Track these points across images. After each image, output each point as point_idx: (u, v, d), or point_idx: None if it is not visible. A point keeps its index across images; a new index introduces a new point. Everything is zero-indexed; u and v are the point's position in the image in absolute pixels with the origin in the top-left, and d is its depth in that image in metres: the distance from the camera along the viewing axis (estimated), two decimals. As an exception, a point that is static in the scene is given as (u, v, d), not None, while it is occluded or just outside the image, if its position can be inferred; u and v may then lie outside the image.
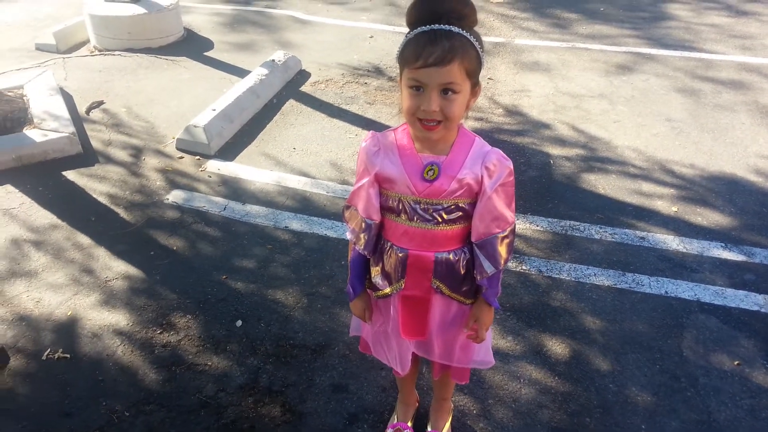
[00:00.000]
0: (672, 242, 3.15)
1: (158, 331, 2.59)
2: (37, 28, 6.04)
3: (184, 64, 5.28)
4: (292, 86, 4.93)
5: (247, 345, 2.52)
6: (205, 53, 5.55)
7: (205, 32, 6.08)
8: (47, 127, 3.90)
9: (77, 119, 4.25)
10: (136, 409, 2.24)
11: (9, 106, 4.21)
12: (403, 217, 1.55)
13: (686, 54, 5.57)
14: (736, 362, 2.46)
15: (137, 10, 5.50)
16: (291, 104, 4.64)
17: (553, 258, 3.03)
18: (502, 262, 1.57)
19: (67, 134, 3.84)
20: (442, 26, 1.31)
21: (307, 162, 3.86)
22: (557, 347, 2.53)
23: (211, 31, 6.11)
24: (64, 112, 4.12)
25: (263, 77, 4.69)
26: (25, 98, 4.33)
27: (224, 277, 2.89)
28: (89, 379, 2.36)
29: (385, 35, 5.95)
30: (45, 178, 3.62)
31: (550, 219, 3.32)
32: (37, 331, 2.58)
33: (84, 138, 4.04)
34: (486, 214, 1.50)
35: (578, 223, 3.29)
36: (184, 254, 3.04)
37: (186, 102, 4.59)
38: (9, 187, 3.52)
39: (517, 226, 3.18)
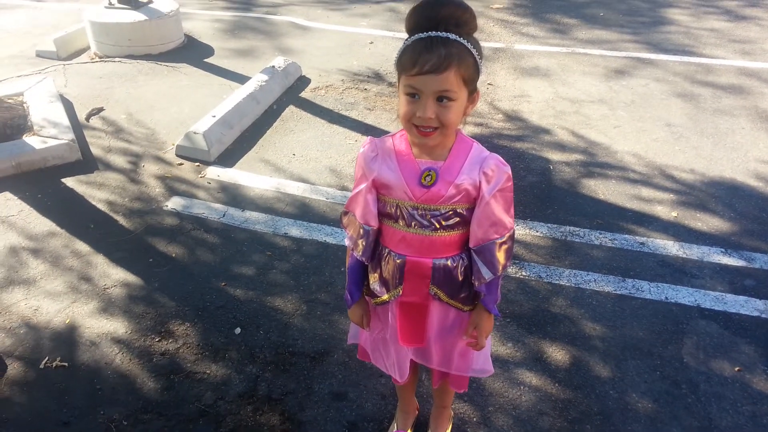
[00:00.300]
0: (672, 248, 3.14)
1: (157, 339, 2.58)
2: (38, 35, 6.05)
3: (184, 71, 5.29)
4: (292, 92, 4.93)
5: (246, 353, 2.51)
6: (206, 60, 5.56)
7: (205, 39, 6.10)
8: (47, 134, 3.90)
9: (77, 126, 4.25)
10: (134, 418, 2.23)
11: (9, 113, 4.21)
12: (401, 223, 1.54)
13: (686, 59, 5.57)
14: (736, 368, 2.45)
15: (138, 16, 5.51)
16: (291, 110, 4.64)
17: (553, 264, 3.03)
18: (501, 268, 1.56)
19: (66, 141, 3.85)
20: (439, 33, 1.31)
21: (307, 168, 3.86)
22: (557, 354, 2.51)
23: (212, 38, 6.12)
24: (64, 119, 4.12)
25: (263, 83, 4.70)
26: (25, 105, 4.34)
27: (223, 284, 2.89)
28: (87, 388, 2.35)
29: (385, 41, 5.96)
30: (44, 185, 3.62)
31: (549, 225, 3.32)
32: (35, 339, 2.57)
33: (84, 145, 4.04)
34: (484, 219, 1.50)
35: (578, 229, 3.28)
36: (183, 261, 3.04)
37: (186, 108, 4.59)
38: (8, 194, 3.52)
39: (516, 232, 3.20)
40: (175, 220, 3.35)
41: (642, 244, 3.17)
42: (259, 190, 3.63)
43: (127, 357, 2.49)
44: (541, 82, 5.10)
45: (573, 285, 2.89)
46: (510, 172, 1.51)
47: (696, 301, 2.80)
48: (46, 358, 2.47)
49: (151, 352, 2.51)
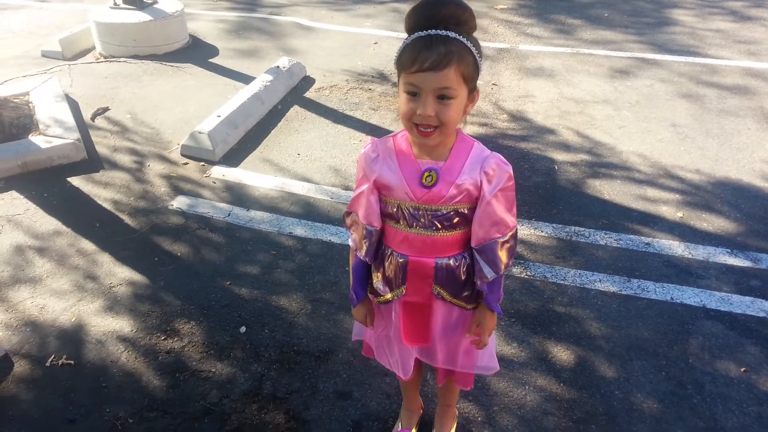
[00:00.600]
0: (677, 248, 3.14)
1: (162, 338, 2.58)
2: (43, 35, 6.08)
3: (189, 71, 5.30)
4: (297, 92, 4.94)
5: (251, 351, 2.52)
6: (210, 60, 5.57)
7: (210, 39, 6.11)
8: (52, 134, 3.91)
9: (82, 125, 4.27)
10: (139, 416, 2.24)
11: (15, 113, 4.23)
12: (403, 223, 1.54)
13: (691, 59, 5.56)
14: (742, 369, 2.44)
15: (143, 17, 5.53)
16: (295, 110, 4.65)
17: (558, 264, 3.02)
18: (503, 267, 1.56)
19: (72, 140, 3.86)
20: (439, 31, 1.31)
21: (311, 168, 3.86)
22: (562, 354, 2.51)
23: (216, 38, 6.13)
24: (70, 119, 4.14)
25: (268, 83, 4.71)
26: (30, 105, 4.35)
27: (228, 283, 2.89)
28: (93, 386, 2.36)
29: (389, 41, 5.96)
30: (50, 184, 3.63)
31: (554, 225, 3.31)
32: (41, 337, 2.58)
33: (89, 144, 4.05)
34: (485, 219, 1.50)
35: (583, 229, 3.27)
36: (188, 260, 3.05)
37: (191, 108, 4.61)
38: (14, 194, 3.54)
39: (521, 232, 3.20)
40: (181, 219, 3.35)
41: (647, 244, 3.16)
42: (264, 189, 3.64)
43: (132, 355, 2.50)
44: (545, 83, 5.10)
45: (578, 285, 2.88)
46: (511, 171, 1.50)
47: (701, 301, 2.79)
48: (52, 356, 2.48)
49: (156, 351, 2.52)
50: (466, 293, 1.63)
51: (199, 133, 3.95)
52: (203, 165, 3.89)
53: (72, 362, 2.46)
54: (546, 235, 3.24)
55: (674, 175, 3.78)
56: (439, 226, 1.52)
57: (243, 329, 2.63)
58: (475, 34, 1.39)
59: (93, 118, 4.42)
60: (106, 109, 4.55)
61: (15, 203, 3.46)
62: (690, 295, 2.82)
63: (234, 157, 4.00)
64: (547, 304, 2.77)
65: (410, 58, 1.32)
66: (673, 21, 6.63)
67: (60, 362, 2.45)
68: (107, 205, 3.46)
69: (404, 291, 1.63)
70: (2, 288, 2.85)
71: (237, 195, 3.58)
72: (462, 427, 2.20)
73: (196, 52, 5.77)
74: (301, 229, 3.27)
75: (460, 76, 1.33)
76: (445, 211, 1.50)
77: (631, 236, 3.22)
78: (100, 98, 4.71)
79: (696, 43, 5.94)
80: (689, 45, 5.90)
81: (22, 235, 3.20)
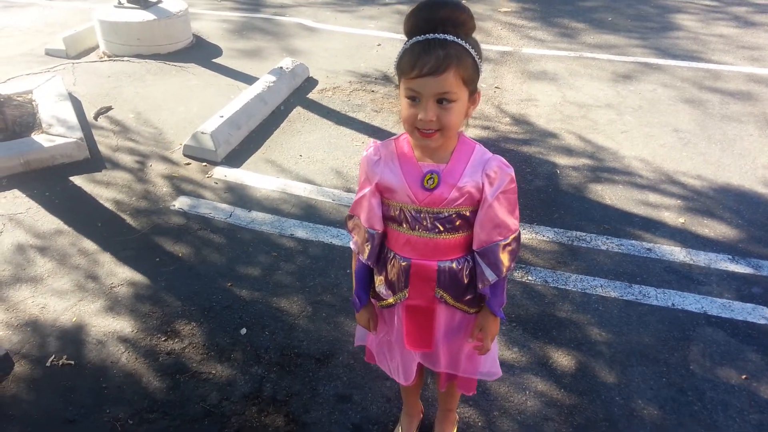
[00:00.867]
0: (679, 254, 3.13)
1: (163, 339, 2.58)
2: (47, 33, 6.09)
3: (192, 71, 5.30)
4: (300, 93, 4.94)
5: (252, 353, 2.52)
6: (214, 60, 5.58)
7: (213, 39, 6.11)
8: (55, 132, 3.91)
9: (85, 124, 4.27)
10: (139, 417, 2.24)
11: (18, 111, 4.23)
12: (405, 226, 1.54)
13: (694, 64, 5.56)
14: (743, 376, 2.44)
15: (147, 16, 5.54)
16: (298, 111, 4.65)
17: (559, 269, 3.02)
18: (504, 270, 1.55)
19: (74, 139, 3.86)
20: (437, 35, 1.31)
21: (313, 169, 3.86)
22: (563, 359, 2.51)
23: (220, 38, 6.14)
24: (73, 118, 4.14)
25: (271, 84, 4.71)
26: (33, 103, 4.36)
27: (229, 284, 2.89)
28: (93, 386, 2.36)
29: (393, 43, 5.97)
30: (52, 183, 3.64)
31: (556, 229, 3.31)
32: (42, 337, 2.58)
33: (92, 143, 4.06)
34: (487, 222, 1.49)
35: (584, 234, 3.27)
36: (189, 261, 3.05)
37: (194, 108, 4.61)
38: (16, 192, 3.54)
39: (523, 237, 3.19)
40: (182, 219, 3.35)
41: (649, 250, 3.16)
42: (266, 190, 3.64)
43: (133, 356, 2.50)
44: (548, 86, 5.10)
45: (579, 290, 2.88)
46: (513, 173, 1.50)
47: (703, 308, 2.78)
48: (53, 356, 2.48)
49: (156, 352, 2.52)
50: (468, 297, 1.63)
51: (202, 133, 3.95)
52: (205, 165, 3.89)
53: (72, 362, 2.46)
54: (547, 239, 3.23)
55: (676, 181, 3.78)
56: (442, 229, 1.52)
57: (243, 331, 2.63)
58: (479, 38, 1.38)
59: (96, 117, 4.43)
60: (109, 108, 4.56)
61: (17, 202, 3.46)
62: (691, 302, 2.82)
63: (236, 157, 4.00)
64: (547, 309, 2.77)
65: (409, 64, 1.33)
66: (676, 26, 6.62)
67: (60, 362, 2.45)
68: (109, 205, 3.46)
69: (407, 294, 1.62)
70: (3, 287, 2.85)
71: (239, 196, 3.58)
72: (462, 431, 2.20)
73: (199, 51, 5.78)
74: (302, 231, 3.27)
75: (459, 80, 1.33)
76: (446, 214, 1.50)
77: (633, 241, 3.22)
78: (103, 97, 4.72)
79: (699, 49, 5.94)
80: (692, 50, 5.90)
81: (24, 234, 3.20)
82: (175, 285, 2.89)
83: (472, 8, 1.38)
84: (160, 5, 5.78)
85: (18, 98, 4.40)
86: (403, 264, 1.58)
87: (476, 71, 1.37)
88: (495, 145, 4.12)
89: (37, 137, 3.85)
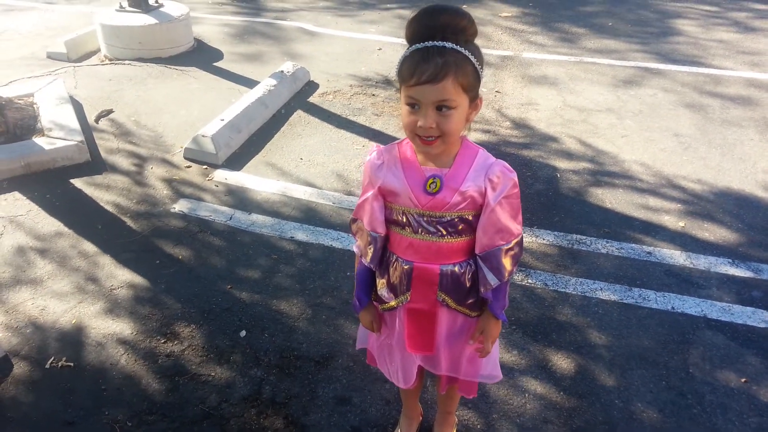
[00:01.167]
0: (679, 257, 3.13)
1: (162, 341, 2.58)
2: (49, 36, 6.11)
3: (193, 74, 5.32)
4: (300, 97, 4.96)
5: (251, 356, 2.52)
6: (215, 63, 5.59)
7: (214, 43, 6.13)
8: (56, 135, 3.92)
9: (86, 127, 4.28)
10: (138, 419, 2.24)
11: (19, 114, 4.24)
12: (408, 230, 1.55)
13: (694, 69, 5.57)
14: (743, 379, 2.43)
15: (148, 20, 5.55)
16: (299, 115, 4.66)
17: (559, 272, 3.02)
18: (507, 274, 1.55)
19: (75, 142, 3.87)
20: (436, 43, 1.31)
21: (314, 173, 3.87)
22: (563, 362, 2.51)
23: (221, 42, 6.15)
24: (74, 121, 4.15)
25: (272, 88, 4.72)
26: (35, 106, 4.37)
27: (229, 286, 2.89)
28: (92, 388, 2.36)
29: (394, 47, 5.98)
30: (53, 185, 3.64)
31: (556, 232, 3.31)
32: (41, 338, 2.58)
33: (92, 146, 4.06)
34: (489, 226, 1.50)
35: (585, 237, 3.27)
36: (189, 263, 3.05)
37: (194, 112, 4.62)
38: (17, 194, 3.54)
39: (523, 240, 3.19)
40: (182, 222, 3.36)
41: (649, 253, 3.16)
42: (266, 193, 3.64)
43: (132, 358, 2.50)
44: (549, 91, 5.10)
45: (579, 293, 2.88)
46: (516, 178, 1.50)
47: (702, 311, 2.78)
48: (52, 357, 2.48)
49: (156, 354, 2.52)
50: (470, 300, 1.63)
51: (203, 136, 3.95)
52: (206, 168, 3.90)
53: (72, 364, 2.46)
54: (547, 242, 3.23)
55: (676, 185, 3.78)
56: (444, 233, 1.52)
57: (243, 333, 2.63)
58: (479, 42, 1.38)
59: (97, 121, 4.44)
60: (110, 112, 4.57)
61: (18, 204, 3.46)
62: (691, 305, 2.82)
63: (237, 160, 4.00)
64: (547, 312, 2.77)
65: (409, 71, 1.33)
66: (677, 31, 6.64)
67: (60, 364, 2.45)
68: (109, 207, 3.46)
69: (409, 297, 1.63)
70: (3, 289, 2.85)
71: (239, 199, 3.59)
72: (461, 434, 2.20)
73: (200, 55, 5.79)
74: (302, 234, 3.28)
75: (459, 87, 1.33)
76: (449, 218, 1.50)
77: (633, 245, 3.22)
78: (104, 100, 4.73)
79: (700, 54, 5.95)
80: (693, 55, 5.91)
81: (24, 236, 3.20)
82: (174, 287, 2.89)
83: (472, 13, 1.38)
84: (161, 9, 5.80)
85: (19, 101, 4.41)
86: (406, 267, 1.59)
87: (476, 78, 1.37)
88: (495, 149, 4.13)
89: (38, 140, 3.86)
